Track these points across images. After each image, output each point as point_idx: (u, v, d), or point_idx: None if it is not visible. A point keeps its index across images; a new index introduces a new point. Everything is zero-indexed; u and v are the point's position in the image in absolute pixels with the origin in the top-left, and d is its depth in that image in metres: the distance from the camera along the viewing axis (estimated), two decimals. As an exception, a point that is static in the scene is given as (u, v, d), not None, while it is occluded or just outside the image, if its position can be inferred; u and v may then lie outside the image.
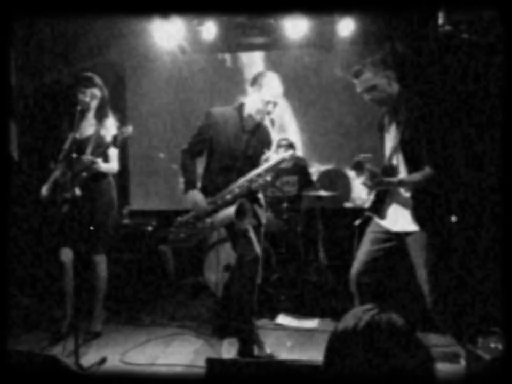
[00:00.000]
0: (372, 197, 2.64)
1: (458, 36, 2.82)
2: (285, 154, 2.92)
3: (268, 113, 2.86)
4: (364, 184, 2.47)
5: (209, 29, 4.43)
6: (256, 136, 2.94)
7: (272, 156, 2.92)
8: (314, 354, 2.90)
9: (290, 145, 4.12)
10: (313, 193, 4.22)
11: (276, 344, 3.11)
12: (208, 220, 2.88)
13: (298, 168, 4.55)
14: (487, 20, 2.62)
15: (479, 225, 3.64)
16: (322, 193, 4.18)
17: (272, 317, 3.59)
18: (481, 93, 3.50)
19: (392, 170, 2.50)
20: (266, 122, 2.97)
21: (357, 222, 2.70)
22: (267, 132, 2.99)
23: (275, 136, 3.08)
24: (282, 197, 4.27)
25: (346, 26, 4.29)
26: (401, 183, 2.46)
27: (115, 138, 2.97)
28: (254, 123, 2.91)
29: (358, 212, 4.64)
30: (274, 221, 4.16)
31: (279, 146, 3.89)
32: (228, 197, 2.85)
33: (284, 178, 4.44)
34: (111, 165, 3.25)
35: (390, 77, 2.47)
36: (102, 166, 3.15)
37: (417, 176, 2.42)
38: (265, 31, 4.62)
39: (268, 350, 2.89)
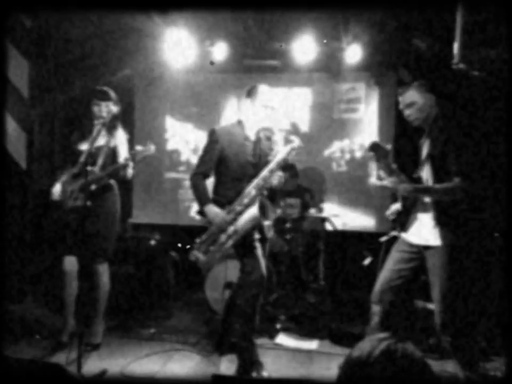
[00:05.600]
0: (397, 208, 2.73)
1: (470, 73, 2.94)
2: (292, 144, 2.91)
3: (267, 118, 2.94)
4: (395, 185, 2.52)
5: (221, 50, 4.53)
6: (260, 145, 3.03)
7: (280, 150, 2.98)
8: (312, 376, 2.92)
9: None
10: (317, 215, 4.27)
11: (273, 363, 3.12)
12: (232, 228, 2.87)
13: (301, 190, 4.61)
14: (498, 59, 2.73)
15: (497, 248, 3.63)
16: (326, 215, 4.23)
17: (272, 336, 3.59)
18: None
19: (420, 182, 2.61)
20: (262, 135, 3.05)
21: (383, 239, 2.73)
22: (269, 139, 3.09)
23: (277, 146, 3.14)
24: (286, 217, 4.32)
25: (354, 53, 4.40)
26: (430, 189, 2.54)
27: (133, 155, 3.03)
28: (257, 132, 3.00)
29: (363, 235, 4.71)
30: (276, 240, 4.20)
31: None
32: (246, 200, 2.88)
33: (287, 201, 4.49)
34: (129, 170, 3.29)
35: (431, 100, 2.63)
36: (130, 171, 3.22)
37: (445, 185, 2.48)
38: (275, 54, 4.71)
39: (265, 373, 2.87)
